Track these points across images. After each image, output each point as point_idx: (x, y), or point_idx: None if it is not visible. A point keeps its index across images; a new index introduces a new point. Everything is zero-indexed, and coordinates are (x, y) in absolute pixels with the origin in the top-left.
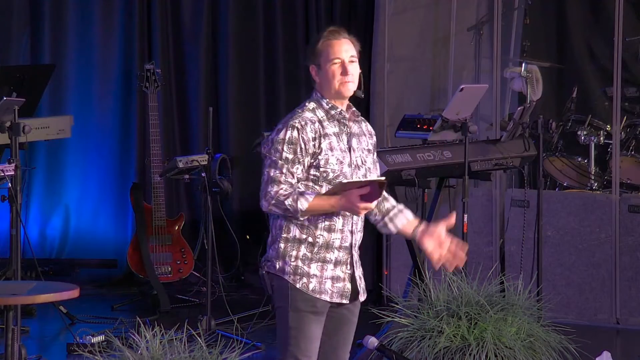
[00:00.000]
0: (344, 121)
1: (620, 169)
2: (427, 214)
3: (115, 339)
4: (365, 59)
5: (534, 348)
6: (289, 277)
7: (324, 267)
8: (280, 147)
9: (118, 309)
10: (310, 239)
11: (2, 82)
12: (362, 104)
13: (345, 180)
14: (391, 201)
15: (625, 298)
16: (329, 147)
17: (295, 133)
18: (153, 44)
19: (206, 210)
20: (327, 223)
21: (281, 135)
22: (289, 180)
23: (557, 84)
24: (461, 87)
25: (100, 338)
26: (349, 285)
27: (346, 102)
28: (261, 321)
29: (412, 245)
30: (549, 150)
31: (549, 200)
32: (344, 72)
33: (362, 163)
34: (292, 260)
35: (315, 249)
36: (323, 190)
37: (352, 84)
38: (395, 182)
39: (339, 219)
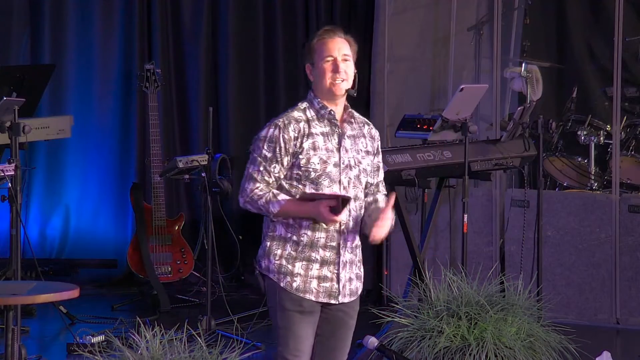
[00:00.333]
0: (335, 121)
1: (620, 169)
2: (427, 214)
3: (115, 339)
4: (365, 59)
5: (534, 348)
6: (274, 275)
7: (309, 266)
8: (261, 145)
9: (118, 309)
10: (294, 238)
11: (2, 82)
12: (362, 104)
13: (310, 191)
14: (379, 202)
15: (625, 298)
16: (312, 147)
17: (276, 132)
18: (153, 44)
19: (206, 210)
20: (310, 222)
21: (263, 133)
22: (266, 178)
23: (557, 84)
24: (461, 87)
25: (100, 338)
26: (337, 286)
27: (341, 102)
28: (261, 321)
29: (412, 245)
30: (549, 150)
31: (549, 200)
32: (335, 69)
33: (356, 164)
34: (277, 258)
35: (300, 248)
36: (307, 189)
37: (344, 83)
38: (395, 182)
39: None
